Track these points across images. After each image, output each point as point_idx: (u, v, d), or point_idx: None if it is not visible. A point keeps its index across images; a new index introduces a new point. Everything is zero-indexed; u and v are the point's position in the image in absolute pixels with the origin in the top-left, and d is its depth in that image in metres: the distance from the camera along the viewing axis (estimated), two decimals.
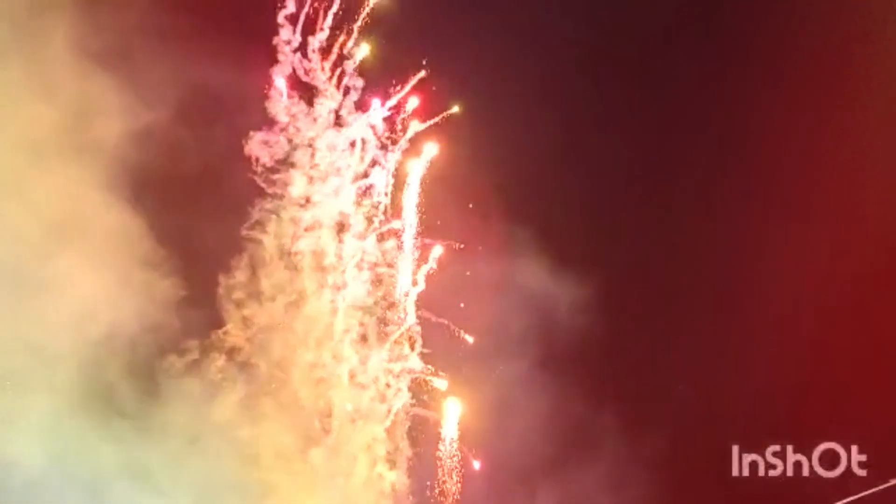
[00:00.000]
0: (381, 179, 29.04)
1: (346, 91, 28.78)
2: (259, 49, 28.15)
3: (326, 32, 28.52)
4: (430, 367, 29.12)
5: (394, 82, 28.62)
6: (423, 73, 28.51)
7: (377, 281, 29.23)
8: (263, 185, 29.08)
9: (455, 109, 28.52)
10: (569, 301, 27.30)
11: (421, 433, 29.02)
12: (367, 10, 28.31)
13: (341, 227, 29.11)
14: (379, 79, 28.60)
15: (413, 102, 28.63)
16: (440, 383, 28.78)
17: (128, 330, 26.67)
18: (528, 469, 28.00)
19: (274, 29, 28.46)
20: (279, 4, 28.31)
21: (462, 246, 28.56)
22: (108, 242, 26.82)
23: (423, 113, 28.77)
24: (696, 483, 26.96)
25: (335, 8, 28.39)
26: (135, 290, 26.86)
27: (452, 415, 28.79)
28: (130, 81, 26.81)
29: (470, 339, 28.55)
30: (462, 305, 28.55)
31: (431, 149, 28.72)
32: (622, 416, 27.22)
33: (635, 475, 27.16)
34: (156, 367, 27.31)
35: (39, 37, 26.46)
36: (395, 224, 29.05)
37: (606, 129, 27.09)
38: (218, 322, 28.40)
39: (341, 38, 28.49)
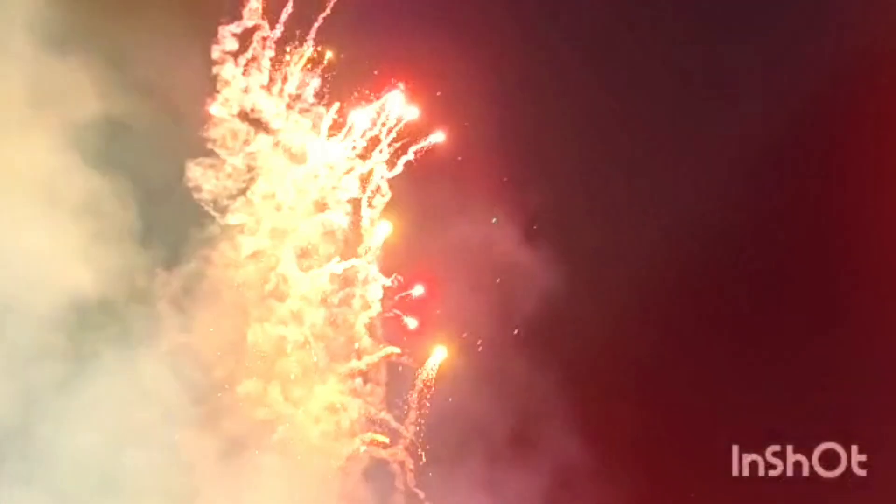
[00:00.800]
0: (341, 211, 28.14)
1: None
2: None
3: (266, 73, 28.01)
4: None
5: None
6: (397, 89, 28.13)
7: (334, 314, 27.76)
8: (214, 213, 27.81)
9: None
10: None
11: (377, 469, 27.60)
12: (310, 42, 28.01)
13: (302, 256, 27.76)
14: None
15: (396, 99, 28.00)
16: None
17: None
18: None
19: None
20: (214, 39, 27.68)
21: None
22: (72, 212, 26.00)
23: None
24: (696, 483, 26.19)
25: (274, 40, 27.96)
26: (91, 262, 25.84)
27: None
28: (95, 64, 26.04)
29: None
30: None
31: (438, 136, 27.94)
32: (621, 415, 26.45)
33: (633, 474, 26.13)
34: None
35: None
36: (354, 261, 27.89)
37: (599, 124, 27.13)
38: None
39: (281, 74, 28.00)
